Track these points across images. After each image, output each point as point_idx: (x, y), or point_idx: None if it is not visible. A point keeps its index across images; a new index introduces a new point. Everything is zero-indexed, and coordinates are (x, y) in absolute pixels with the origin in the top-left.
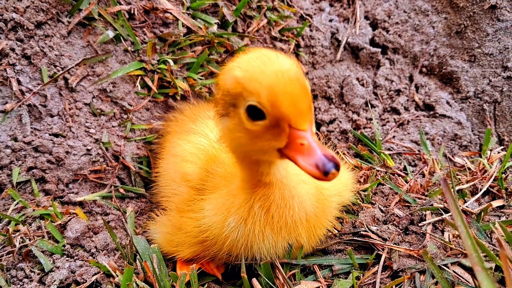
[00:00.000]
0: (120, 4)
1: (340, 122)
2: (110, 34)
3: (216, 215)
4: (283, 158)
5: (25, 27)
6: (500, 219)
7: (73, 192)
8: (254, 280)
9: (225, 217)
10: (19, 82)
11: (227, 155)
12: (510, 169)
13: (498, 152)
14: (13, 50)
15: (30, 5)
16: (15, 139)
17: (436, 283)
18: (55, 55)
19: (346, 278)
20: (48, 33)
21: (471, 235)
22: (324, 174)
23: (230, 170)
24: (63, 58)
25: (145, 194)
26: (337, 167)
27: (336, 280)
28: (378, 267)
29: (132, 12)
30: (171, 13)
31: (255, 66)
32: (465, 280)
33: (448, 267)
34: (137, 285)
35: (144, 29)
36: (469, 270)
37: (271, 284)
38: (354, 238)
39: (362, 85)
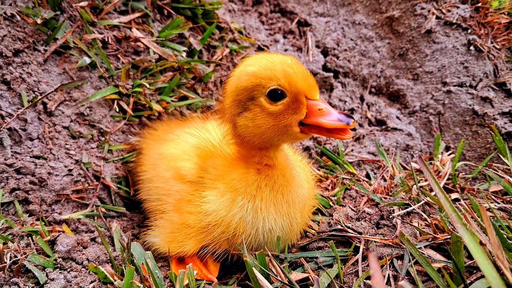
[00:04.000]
0: (94, 33)
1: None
2: (87, 60)
3: (223, 196)
4: (303, 131)
5: (3, 54)
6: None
7: (56, 213)
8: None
9: (233, 197)
10: None
11: (224, 150)
12: (459, 169)
13: (448, 155)
14: None
15: (7, 34)
16: None
17: (413, 265)
18: (34, 81)
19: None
20: (25, 60)
21: (449, 199)
22: (347, 124)
23: (230, 161)
24: (41, 84)
25: (126, 213)
26: (352, 118)
27: (322, 271)
28: (358, 257)
29: (106, 40)
30: (142, 42)
31: (265, 60)
32: (438, 259)
33: (421, 250)
34: (138, 286)
35: (118, 56)
36: (440, 251)
37: (268, 272)
38: (332, 233)
39: None
